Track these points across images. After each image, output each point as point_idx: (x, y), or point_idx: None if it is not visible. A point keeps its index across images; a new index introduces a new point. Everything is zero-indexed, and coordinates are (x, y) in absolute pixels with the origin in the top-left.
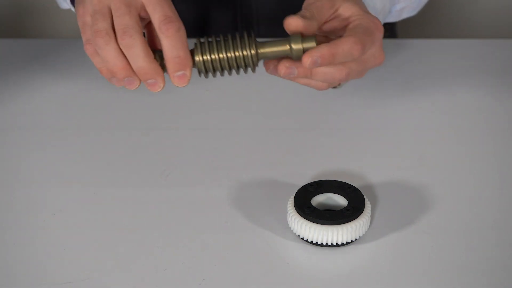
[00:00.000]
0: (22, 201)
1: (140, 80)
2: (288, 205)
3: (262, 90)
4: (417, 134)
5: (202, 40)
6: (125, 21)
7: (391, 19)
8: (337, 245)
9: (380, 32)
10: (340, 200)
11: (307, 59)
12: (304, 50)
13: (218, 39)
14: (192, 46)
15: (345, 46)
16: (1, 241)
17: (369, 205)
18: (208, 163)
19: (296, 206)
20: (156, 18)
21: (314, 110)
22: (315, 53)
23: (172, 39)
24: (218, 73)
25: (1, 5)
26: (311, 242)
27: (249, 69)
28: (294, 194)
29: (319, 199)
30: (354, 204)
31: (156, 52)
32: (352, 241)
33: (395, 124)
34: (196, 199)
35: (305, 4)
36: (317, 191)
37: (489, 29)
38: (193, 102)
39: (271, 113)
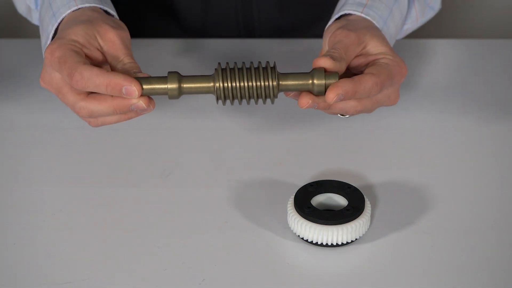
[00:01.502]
0: (22, 201)
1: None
2: (288, 205)
3: None
4: (417, 134)
5: (223, 66)
6: (64, 73)
7: (400, 36)
8: (337, 245)
9: (402, 77)
10: (340, 200)
11: (332, 96)
12: (326, 86)
13: (239, 67)
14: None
15: (367, 85)
16: (1, 241)
17: (369, 205)
18: (208, 163)
19: (296, 206)
20: (65, 79)
21: (314, 110)
22: (340, 90)
23: (87, 86)
24: (236, 102)
25: (1, 5)
26: (311, 242)
27: (268, 100)
28: (294, 194)
29: (319, 199)
30: (354, 204)
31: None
32: (352, 241)
33: (395, 124)
34: (196, 199)
35: (332, 40)
36: (317, 191)
37: (489, 29)
38: (193, 102)
39: (271, 113)
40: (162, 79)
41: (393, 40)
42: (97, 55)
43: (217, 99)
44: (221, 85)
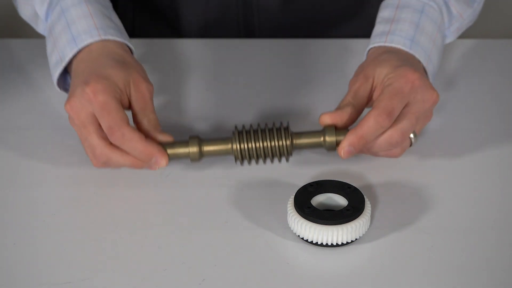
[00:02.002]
0: (22, 201)
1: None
2: (288, 205)
3: (263, 90)
4: None
5: (239, 129)
6: (104, 122)
7: (451, 39)
8: (337, 245)
9: (412, 82)
10: (340, 200)
11: (341, 153)
12: (337, 142)
13: (255, 128)
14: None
15: (370, 124)
16: (1, 241)
17: (369, 205)
18: (208, 163)
19: (296, 206)
20: (104, 128)
21: (314, 110)
22: (345, 144)
23: (123, 145)
24: (253, 161)
25: (1, 5)
26: (311, 242)
27: (283, 158)
28: (294, 194)
29: (319, 199)
30: (354, 204)
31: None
32: (352, 241)
33: None
34: (196, 199)
35: (348, 87)
36: (317, 191)
37: (489, 29)
38: (193, 102)
39: (271, 113)
40: (184, 144)
41: (434, 48)
42: (125, 102)
43: (236, 159)
44: (239, 146)
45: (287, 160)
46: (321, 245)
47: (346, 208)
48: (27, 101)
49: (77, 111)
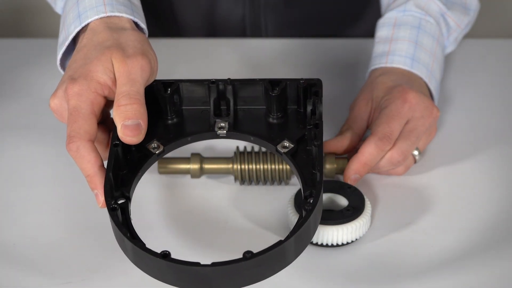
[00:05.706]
0: (22, 201)
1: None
2: (288, 205)
3: None
4: None
5: (241, 150)
6: (68, 127)
7: (451, 48)
8: (337, 245)
9: (409, 101)
10: (340, 200)
11: (347, 181)
12: (336, 169)
13: (256, 151)
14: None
15: (371, 150)
16: (1, 241)
17: (369, 205)
18: None
19: (296, 206)
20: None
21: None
22: (350, 172)
23: (74, 159)
24: (253, 182)
25: (1, 5)
26: (311, 242)
27: (282, 182)
28: (294, 194)
29: None
30: (354, 204)
31: None
32: (352, 241)
33: None
34: (196, 199)
35: (349, 111)
36: None
37: (489, 29)
38: None
39: None
40: (185, 160)
41: (434, 62)
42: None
43: (235, 179)
44: (239, 167)
45: (286, 183)
46: (321, 245)
47: (346, 208)
48: (27, 101)
49: (60, 111)
